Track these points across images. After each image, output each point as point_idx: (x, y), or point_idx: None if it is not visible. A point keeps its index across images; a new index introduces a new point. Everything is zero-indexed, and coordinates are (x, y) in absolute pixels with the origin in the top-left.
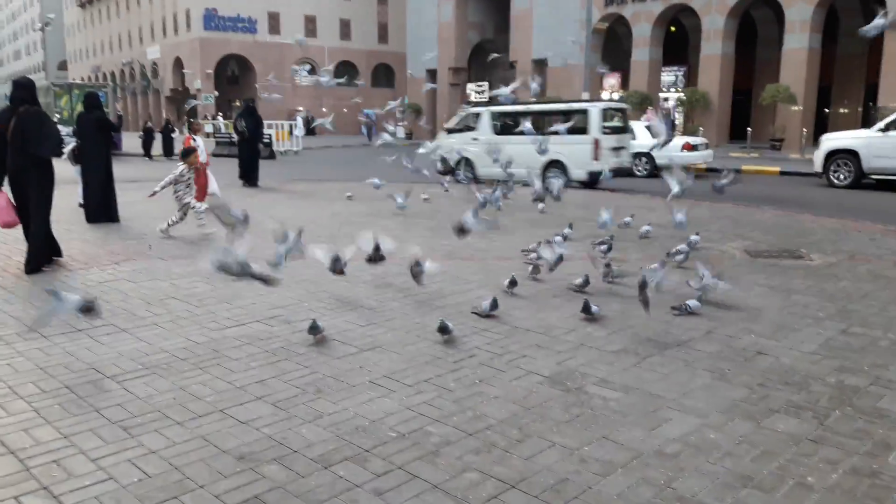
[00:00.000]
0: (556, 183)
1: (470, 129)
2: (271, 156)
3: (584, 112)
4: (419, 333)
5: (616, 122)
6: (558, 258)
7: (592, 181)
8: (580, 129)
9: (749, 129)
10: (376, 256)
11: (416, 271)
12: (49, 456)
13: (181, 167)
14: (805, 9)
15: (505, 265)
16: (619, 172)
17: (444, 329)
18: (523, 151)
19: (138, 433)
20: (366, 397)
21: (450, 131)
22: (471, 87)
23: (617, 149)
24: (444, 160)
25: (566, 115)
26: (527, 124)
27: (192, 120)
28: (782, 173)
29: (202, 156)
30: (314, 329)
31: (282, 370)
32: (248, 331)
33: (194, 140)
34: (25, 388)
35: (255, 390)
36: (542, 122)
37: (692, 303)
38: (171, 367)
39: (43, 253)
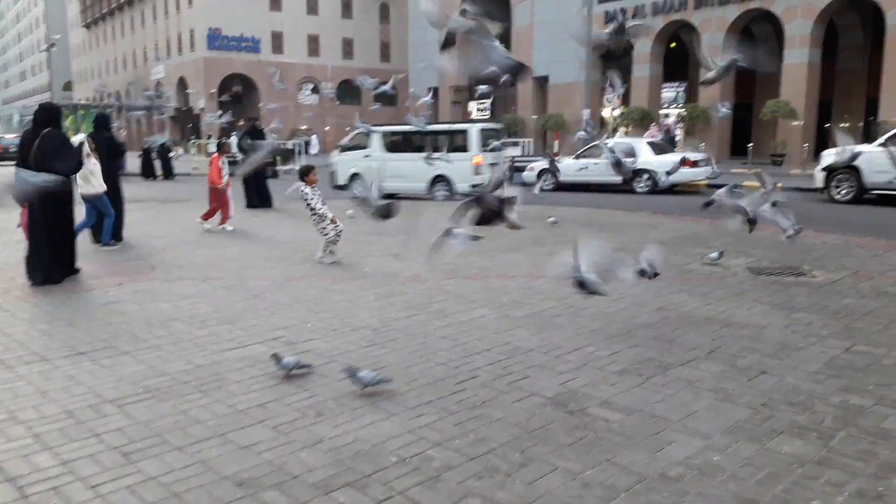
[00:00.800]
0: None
1: (362, 147)
2: (274, 175)
3: (464, 132)
4: (421, 354)
5: (492, 141)
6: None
7: None
8: (462, 147)
9: (750, 144)
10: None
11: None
12: (47, 483)
13: (303, 188)
14: (804, 24)
15: (509, 283)
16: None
17: (278, 361)
18: (412, 167)
19: (138, 459)
20: (367, 420)
21: (343, 149)
22: (472, 106)
23: (493, 164)
24: (332, 175)
25: (449, 134)
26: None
27: (221, 139)
28: (784, 189)
29: (226, 177)
30: (278, 362)
31: (283, 393)
32: (249, 353)
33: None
34: (25, 413)
35: (256, 414)
36: (428, 141)
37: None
38: (173, 390)
39: (58, 266)
